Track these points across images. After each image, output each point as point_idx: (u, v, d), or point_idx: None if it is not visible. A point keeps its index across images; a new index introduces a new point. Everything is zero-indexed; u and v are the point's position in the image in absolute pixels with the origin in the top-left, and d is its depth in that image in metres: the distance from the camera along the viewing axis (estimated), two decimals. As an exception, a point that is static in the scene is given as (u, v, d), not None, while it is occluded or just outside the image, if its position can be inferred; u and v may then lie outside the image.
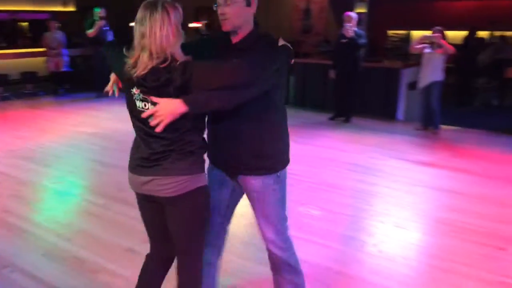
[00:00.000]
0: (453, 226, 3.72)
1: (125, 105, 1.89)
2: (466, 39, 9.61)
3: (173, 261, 2.08)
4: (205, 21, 9.90)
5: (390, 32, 12.78)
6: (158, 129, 1.77)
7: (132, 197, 2.06)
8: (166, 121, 1.75)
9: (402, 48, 12.45)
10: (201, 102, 1.74)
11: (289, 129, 2.14)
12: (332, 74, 7.33)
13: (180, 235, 1.93)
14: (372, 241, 3.46)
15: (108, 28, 9.08)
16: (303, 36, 14.92)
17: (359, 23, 7.26)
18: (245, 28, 1.95)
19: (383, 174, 4.93)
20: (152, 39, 1.71)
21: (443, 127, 7.07)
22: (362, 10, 11.78)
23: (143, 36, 1.72)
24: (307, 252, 3.25)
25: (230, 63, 1.73)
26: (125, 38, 1.94)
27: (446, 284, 2.89)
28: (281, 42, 1.89)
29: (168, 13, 1.72)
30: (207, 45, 2.02)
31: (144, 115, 1.80)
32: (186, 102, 1.73)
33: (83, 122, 7.26)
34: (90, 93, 9.47)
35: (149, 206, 1.98)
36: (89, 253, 3.19)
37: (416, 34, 12.52)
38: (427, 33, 6.59)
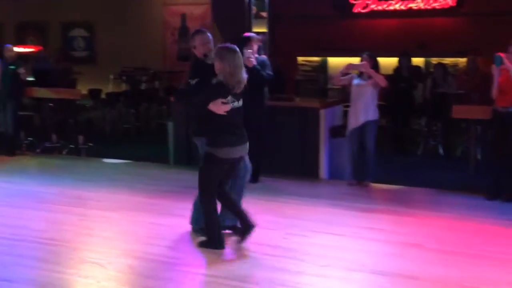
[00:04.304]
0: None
1: None
2: (398, 68, 10.48)
3: None
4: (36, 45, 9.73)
5: (301, 59, 13.51)
6: None
7: None
8: None
9: (318, 81, 13.22)
10: None
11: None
12: None
13: None
14: None
15: None
16: (181, 64, 15.18)
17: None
18: None
19: (309, 257, 5.05)
20: None
21: (380, 185, 7.52)
22: (261, 29, 12.38)
23: None
24: None
25: None
26: None
27: None
28: None
29: None
30: None
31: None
32: None
33: None
34: None
35: None
36: None
37: (335, 61, 13.41)
38: (353, 60, 7.12)
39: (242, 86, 5.04)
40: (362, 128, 7.34)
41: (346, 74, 7.54)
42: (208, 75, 5.17)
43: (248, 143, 5.22)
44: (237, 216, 5.33)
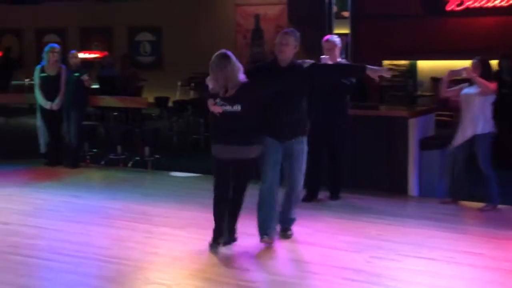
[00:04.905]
0: None
1: None
2: (499, 72, 10.22)
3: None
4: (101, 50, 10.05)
5: (386, 63, 13.40)
6: None
7: None
8: None
9: (406, 87, 13.05)
10: None
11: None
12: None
13: None
14: None
15: None
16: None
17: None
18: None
19: (396, 283, 4.99)
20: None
21: (478, 203, 7.38)
22: (343, 31, 12.37)
23: None
24: None
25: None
26: None
27: None
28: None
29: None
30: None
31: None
32: None
33: None
34: None
35: None
36: None
37: (425, 65, 13.22)
38: (446, 64, 6.97)
39: (231, 91, 5.53)
40: (470, 143, 7.11)
41: (452, 81, 7.34)
42: (261, 74, 5.88)
43: (247, 149, 5.64)
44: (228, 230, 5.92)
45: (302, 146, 5.96)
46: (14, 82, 17.56)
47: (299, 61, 6.00)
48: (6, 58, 18.33)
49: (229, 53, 5.59)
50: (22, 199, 7.84)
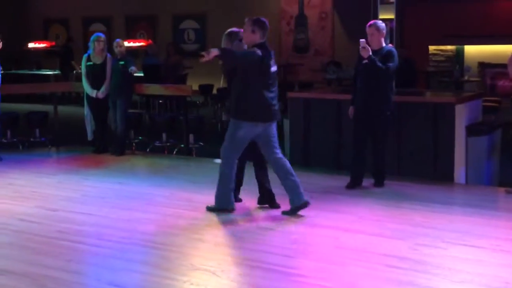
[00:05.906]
0: None
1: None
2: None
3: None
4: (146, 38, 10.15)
5: (432, 48, 13.25)
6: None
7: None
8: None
9: (453, 72, 12.88)
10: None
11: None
12: (351, 112, 7.52)
13: None
14: None
15: None
16: (297, 56, 15.31)
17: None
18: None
19: (441, 271, 4.95)
20: None
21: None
22: (388, 16, 12.24)
23: None
24: None
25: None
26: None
27: None
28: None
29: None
30: None
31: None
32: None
33: None
34: None
35: None
36: None
37: (473, 50, 13.01)
38: (507, 49, 6.87)
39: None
40: None
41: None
42: None
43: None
44: None
45: (229, 128, 6.60)
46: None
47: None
48: (67, 47, 18.60)
49: (231, 31, 6.96)
50: (70, 186, 8.01)
